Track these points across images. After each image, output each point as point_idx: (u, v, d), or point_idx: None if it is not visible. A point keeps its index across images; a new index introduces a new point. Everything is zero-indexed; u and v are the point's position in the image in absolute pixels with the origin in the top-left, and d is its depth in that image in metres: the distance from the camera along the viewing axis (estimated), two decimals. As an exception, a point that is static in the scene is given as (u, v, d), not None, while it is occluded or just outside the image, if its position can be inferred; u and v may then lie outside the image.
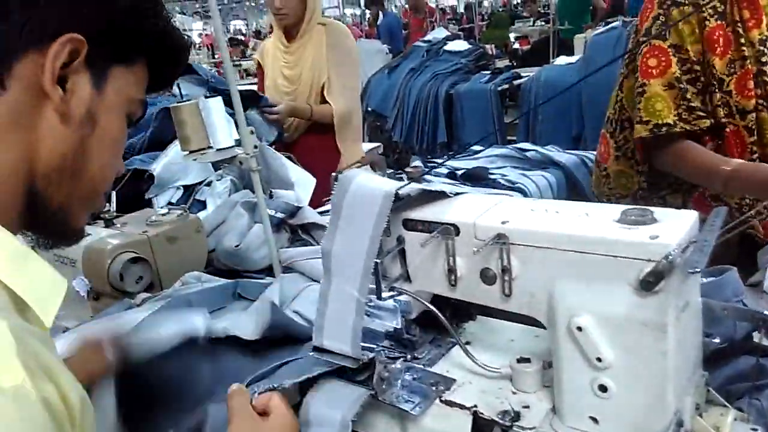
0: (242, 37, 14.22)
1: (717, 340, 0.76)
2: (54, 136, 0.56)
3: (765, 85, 1.26)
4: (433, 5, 8.57)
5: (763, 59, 1.26)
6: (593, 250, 0.68)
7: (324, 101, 2.28)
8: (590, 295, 0.69)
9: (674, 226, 0.66)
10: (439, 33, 5.83)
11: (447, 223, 0.79)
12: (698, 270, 0.58)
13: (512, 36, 8.41)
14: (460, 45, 5.49)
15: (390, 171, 1.92)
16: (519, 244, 0.73)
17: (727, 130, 1.32)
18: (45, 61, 0.54)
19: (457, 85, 5.00)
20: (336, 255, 0.84)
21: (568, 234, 0.70)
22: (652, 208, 0.70)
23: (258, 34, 14.20)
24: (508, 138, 4.66)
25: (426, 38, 5.80)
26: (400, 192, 0.82)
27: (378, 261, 0.81)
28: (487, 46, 6.20)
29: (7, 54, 0.53)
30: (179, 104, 1.55)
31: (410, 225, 0.83)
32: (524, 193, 2.21)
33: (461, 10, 14.64)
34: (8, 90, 0.53)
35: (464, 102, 4.89)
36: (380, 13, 7.97)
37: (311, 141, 2.31)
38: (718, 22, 1.29)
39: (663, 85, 1.33)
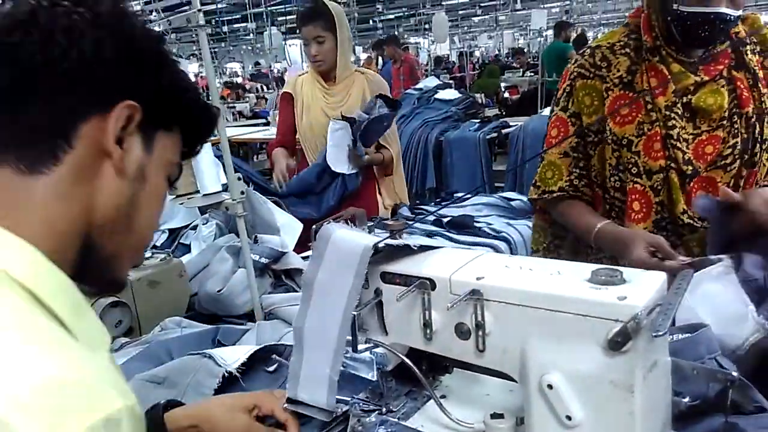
0: (239, 80, 14.45)
1: (686, 400, 0.76)
2: (111, 190, 0.63)
3: (673, 147, 1.31)
4: (425, 54, 8.79)
5: (670, 123, 1.31)
6: (564, 308, 0.69)
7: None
8: (560, 353, 0.70)
9: (642, 287, 0.68)
10: (431, 81, 5.97)
11: (423, 278, 0.80)
12: (661, 333, 0.59)
13: (502, 86, 8.61)
14: (451, 94, 5.62)
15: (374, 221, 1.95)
16: (493, 301, 0.75)
17: (629, 188, 1.37)
18: (107, 124, 0.61)
19: (447, 133, 5.09)
20: (314, 306, 0.85)
21: (540, 292, 0.71)
22: (621, 269, 0.71)
23: (254, 77, 14.43)
24: (496, 184, 4.74)
25: (417, 86, 5.93)
26: (379, 245, 0.84)
27: (355, 313, 0.82)
28: (477, 95, 6.36)
29: (76, 116, 0.60)
30: (168, 149, 1.57)
31: (388, 278, 0.84)
32: (508, 242, 2.23)
33: (453, 59, 15.01)
34: (74, 148, 0.60)
35: (453, 149, 4.97)
36: (380, 58, 8.12)
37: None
38: (622, 91, 1.36)
39: (559, 153, 1.44)
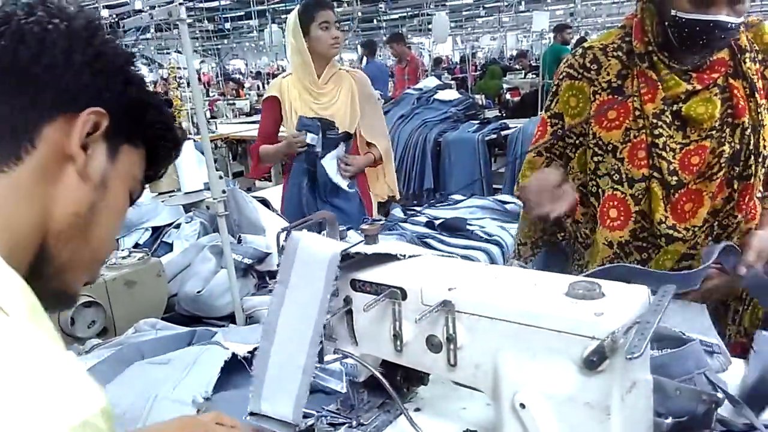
0: (240, 77, 14.41)
1: (668, 421, 0.72)
2: (72, 194, 0.62)
3: (658, 156, 1.27)
4: (426, 55, 8.74)
5: (656, 131, 1.27)
6: (538, 323, 0.65)
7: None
8: (534, 371, 0.66)
9: (621, 303, 0.64)
10: (430, 82, 5.91)
11: (394, 287, 0.76)
12: (637, 355, 0.55)
13: (504, 87, 8.56)
14: (451, 94, 5.57)
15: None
16: (465, 313, 0.71)
17: (606, 196, 1.34)
18: (73, 128, 0.61)
19: (446, 133, 5.04)
20: (283, 316, 0.81)
21: (513, 305, 0.67)
22: (600, 282, 0.67)
23: (258, 75, 14.40)
24: (495, 186, 4.69)
25: (417, 86, 5.88)
26: (351, 251, 0.80)
27: (324, 322, 0.78)
28: (477, 97, 6.31)
29: (41, 118, 0.60)
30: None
31: (358, 286, 0.80)
32: (501, 246, 2.19)
33: (456, 60, 14.97)
34: (37, 149, 0.59)
35: (452, 150, 4.93)
36: (365, 58, 8.15)
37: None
38: (610, 96, 1.32)
39: (534, 152, 1.44)
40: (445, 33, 6.67)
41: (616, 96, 1.31)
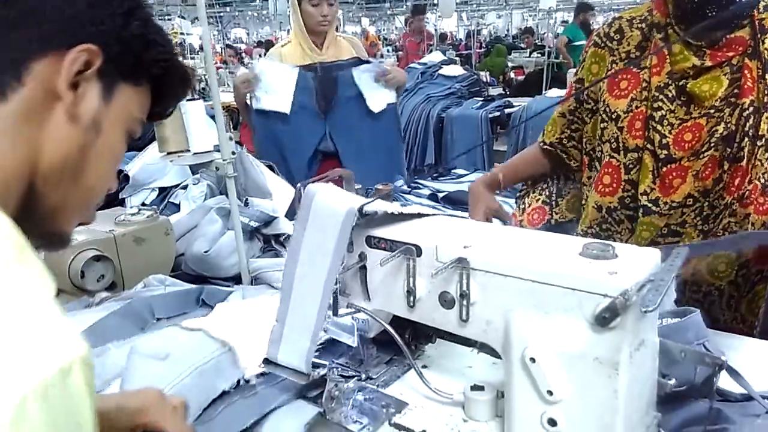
0: (242, 45, 14.26)
1: (672, 382, 0.74)
2: (60, 136, 0.59)
3: (653, 129, 1.29)
4: (432, 30, 8.64)
5: (656, 104, 1.29)
6: (552, 281, 0.66)
7: None
8: (546, 327, 0.68)
9: (634, 263, 0.66)
10: (435, 57, 5.87)
11: (409, 243, 0.78)
12: (651, 309, 0.57)
13: (509, 66, 8.50)
14: (456, 70, 5.54)
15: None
16: (479, 270, 0.72)
17: (605, 162, 1.37)
18: (62, 65, 0.58)
19: (449, 109, 5.03)
20: (299, 269, 0.82)
21: (528, 263, 0.69)
22: (614, 244, 0.69)
23: (260, 44, 14.25)
24: (496, 165, 4.69)
25: (422, 61, 5.84)
26: (366, 209, 0.81)
27: (338, 276, 0.79)
28: (482, 74, 6.27)
29: (28, 53, 0.57)
30: (160, 104, 1.53)
31: (373, 242, 0.81)
32: (501, 221, 2.21)
33: (461, 36, 14.82)
34: (25, 86, 0.57)
35: (455, 126, 4.92)
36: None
37: None
38: (626, 67, 1.34)
39: (559, 113, 1.49)
40: (451, 7, 6.60)
41: (631, 68, 1.33)
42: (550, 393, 0.67)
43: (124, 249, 1.39)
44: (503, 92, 6.19)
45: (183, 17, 7.35)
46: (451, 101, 5.13)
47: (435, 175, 2.99)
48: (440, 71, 5.42)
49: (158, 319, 1.25)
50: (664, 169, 1.30)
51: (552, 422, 0.68)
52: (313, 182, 0.81)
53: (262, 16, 18.24)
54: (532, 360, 0.68)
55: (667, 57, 1.28)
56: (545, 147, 1.51)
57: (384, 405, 0.82)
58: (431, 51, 6.79)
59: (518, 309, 0.70)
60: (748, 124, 1.23)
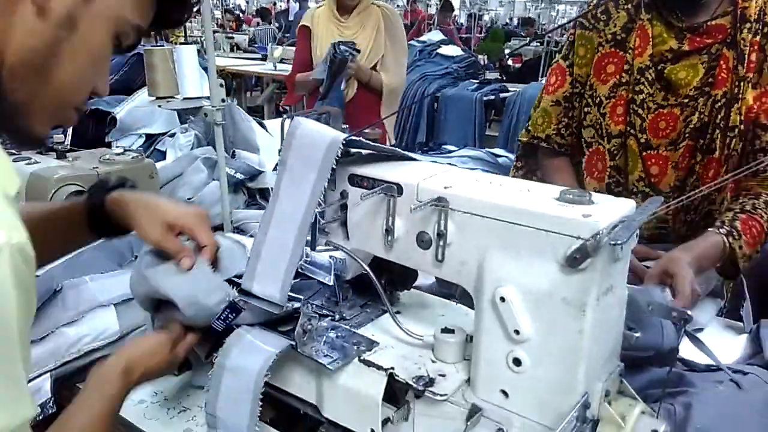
0: (241, 14, 14.04)
1: (638, 335, 0.76)
2: (27, 28, 0.56)
3: (633, 113, 1.29)
4: (433, 12, 8.62)
5: (637, 88, 1.29)
6: (526, 222, 0.67)
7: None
8: (517, 268, 0.69)
9: (609, 209, 0.67)
10: (435, 35, 5.84)
11: (391, 182, 0.78)
12: (620, 243, 0.58)
13: (506, 52, 8.46)
14: (453, 50, 5.52)
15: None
16: (457, 210, 0.73)
17: (591, 149, 1.38)
18: None
19: (445, 89, 5.02)
20: (279, 200, 0.82)
21: (504, 204, 0.70)
22: (591, 192, 0.70)
23: (257, 13, 14.04)
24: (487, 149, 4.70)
25: (421, 39, 5.81)
26: (351, 150, 0.82)
27: (318, 211, 0.80)
28: (480, 57, 6.25)
29: None
30: (152, 48, 1.52)
31: (356, 180, 0.82)
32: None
33: (462, 20, 14.72)
34: None
35: (449, 106, 4.91)
36: (298, 4, 8.81)
37: (361, 100, 2.49)
38: (612, 49, 1.33)
39: (552, 101, 1.44)
40: (454, -12, 6.53)
41: (617, 50, 1.33)
42: (517, 332, 0.69)
43: (107, 188, 1.38)
44: (499, 77, 6.17)
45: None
46: (447, 81, 5.12)
47: (425, 149, 3.00)
48: (438, 50, 5.40)
49: (136, 257, 1.24)
50: (644, 153, 1.31)
51: (517, 362, 0.70)
52: (300, 116, 0.81)
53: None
54: (502, 299, 0.69)
55: (650, 39, 1.28)
56: (542, 144, 1.46)
57: (355, 342, 0.83)
58: (431, 30, 6.75)
59: (493, 250, 0.71)
60: (719, 116, 1.24)
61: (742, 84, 1.22)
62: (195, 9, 0.74)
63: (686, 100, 1.27)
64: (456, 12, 14.95)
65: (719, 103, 1.24)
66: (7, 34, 0.56)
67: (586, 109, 1.38)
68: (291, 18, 9.86)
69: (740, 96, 1.22)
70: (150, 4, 0.66)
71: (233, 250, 0.89)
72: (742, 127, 1.23)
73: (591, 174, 1.40)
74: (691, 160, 1.29)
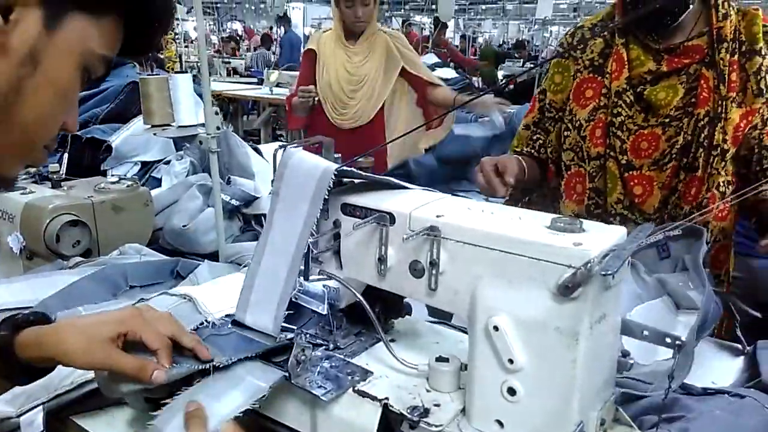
0: (238, 37, 14.19)
1: (632, 361, 0.76)
2: None
3: (613, 135, 1.30)
4: (427, 34, 8.74)
5: (615, 110, 1.30)
6: (517, 251, 0.68)
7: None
8: (510, 297, 0.69)
9: (600, 237, 0.67)
10: (429, 58, 5.91)
11: (383, 211, 0.78)
12: (610, 273, 0.58)
13: (500, 74, 8.56)
14: (448, 73, 5.57)
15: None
16: (449, 239, 0.73)
17: (571, 171, 1.39)
18: None
19: (439, 111, 5.05)
20: (272, 231, 0.83)
21: (495, 233, 0.70)
22: (582, 220, 0.70)
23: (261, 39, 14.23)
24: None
25: (416, 62, 5.87)
26: (344, 179, 0.82)
27: (311, 241, 0.80)
28: (474, 79, 6.31)
29: None
30: (148, 77, 1.53)
31: (348, 210, 0.82)
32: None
33: (456, 43, 14.90)
34: None
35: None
36: (282, 27, 9.27)
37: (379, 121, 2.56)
38: (591, 74, 1.35)
39: (523, 125, 1.50)
40: (450, 11, 6.64)
41: (595, 75, 1.35)
42: (511, 362, 0.68)
43: (102, 216, 1.39)
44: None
45: (180, 2, 7.34)
46: (442, 104, 5.15)
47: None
48: (434, 73, 5.44)
49: (131, 287, 1.24)
50: (626, 175, 1.32)
51: (511, 391, 0.69)
52: (293, 146, 0.82)
53: (259, 9, 18.21)
54: (495, 328, 0.69)
55: (626, 62, 1.30)
56: None
57: (349, 372, 0.83)
58: (427, 53, 6.82)
59: (485, 279, 0.71)
60: (702, 135, 1.24)
61: (725, 103, 1.23)
62: (164, 34, 0.70)
63: (668, 120, 1.28)
64: (450, 34, 15.16)
65: (702, 122, 1.25)
66: None
67: (565, 133, 1.40)
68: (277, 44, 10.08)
69: (724, 116, 1.24)
70: (117, 33, 0.63)
71: (178, 311, 0.87)
72: (725, 146, 1.24)
73: (570, 196, 1.41)
74: (674, 179, 1.30)
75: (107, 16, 0.60)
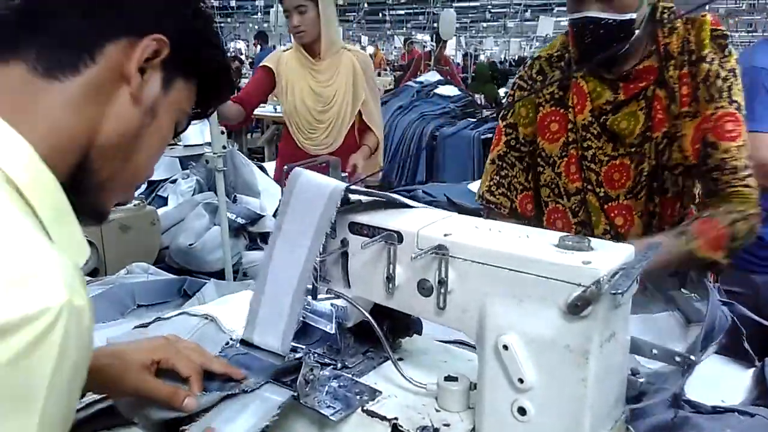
0: (242, 56, 14.33)
1: (642, 380, 0.76)
2: (121, 115, 0.63)
3: (587, 168, 1.30)
4: (429, 49, 8.79)
5: (585, 144, 1.29)
6: (527, 269, 0.68)
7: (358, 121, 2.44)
8: (519, 315, 0.69)
9: (608, 255, 0.67)
10: (432, 76, 5.95)
11: (391, 230, 0.79)
12: (620, 292, 0.58)
13: (502, 92, 8.60)
14: (451, 90, 5.62)
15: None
16: (457, 257, 0.73)
17: (549, 208, 1.38)
18: (134, 50, 0.62)
19: (443, 128, 5.08)
20: (277, 250, 0.83)
21: (504, 251, 0.70)
22: (590, 238, 0.71)
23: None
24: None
25: (418, 79, 5.92)
26: (351, 196, 0.83)
27: (318, 260, 0.80)
28: (477, 96, 6.35)
29: (106, 35, 0.61)
30: (155, 96, 1.54)
31: (356, 228, 0.83)
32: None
33: (458, 60, 15.02)
34: (97, 64, 0.61)
35: (447, 145, 4.97)
36: (260, 46, 9.19)
37: (351, 145, 2.43)
38: (552, 108, 1.33)
39: (490, 160, 1.45)
40: (451, 29, 6.69)
41: (557, 108, 1.33)
42: (521, 381, 0.68)
43: (110, 236, 1.40)
44: (496, 116, 6.26)
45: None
46: (445, 120, 5.19)
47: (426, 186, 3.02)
48: (436, 90, 5.49)
49: (139, 306, 1.25)
50: (606, 206, 1.31)
51: (522, 411, 0.69)
52: (300, 166, 0.82)
53: (263, 29, 18.39)
54: (505, 347, 0.69)
55: (587, 94, 1.28)
56: (480, 202, 1.47)
57: (358, 392, 0.82)
58: (429, 71, 6.88)
59: (493, 297, 0.71)
60: (663, 158, 1.24)
61: (678, 122, 1.22)
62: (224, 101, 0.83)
63: (633, 149, 1.27)
64: (453, 52, 15.28)
65: (661, 145, 1.24)
66: (102, 118, 0.62)
67: (540, 169, 1.38)
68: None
69: (678, 134, 1.22)
70: (194, 96, 0.73)
71: (204, 333, 0.89)
72: (687, 162, 1.23)
73: None
74: (650, 204, 1.30)
75: (193, 81, 0.71)
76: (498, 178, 1.42)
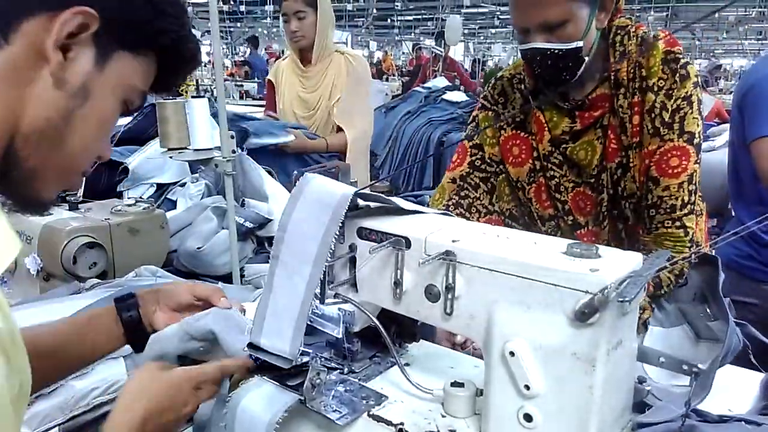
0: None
1: (649, 388, 0.76)
2: (44, 98, 0.58)
3: (554, 198, 1.29)
4: (437, 53, 8.80)
5: (549, 173, 1.28)
6: (534, 276, 0.68)
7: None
8: (527, 322, 0.69)
9: (616, 263, 0.67)
10: (440, 82, 5.95)
11: (399, 236, 0.79)
12: (628, 300, 0.58)
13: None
14: (459, 96, 5.61)
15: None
16: (465, 263, 0.74)
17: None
18: (53, 26, 0.56)
19: (450, 134, 5.08)
20: (285, 253, 0.84)
21: (512, 258, 0.70)
22: (598, 246, 0.71)
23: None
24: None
25: (426, 85, 5.92)
26: (359, 202, 0.83)
27: (327, 265, 0.81)
28: (484, 102, 6.33)
29: (19, 11, 0.56)
30: (165, 101, 1.56)
31: (364, 234, 0.83)
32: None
33: (467, 66, 15.03)
34: (11, 44, 0.56)
35: (454, 151, 4.95)
36: (249, 51, 9.29)
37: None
38: (514, 131, 1.32)
39: (449, 179, 1.40)
40: (457, 36, 6.69)
41: (518, 131, 1.32)
42: (528, 387, 0.68)
43: (118, 238, 1.40)
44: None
45: (194, 27, 7.48)
46: (453, 126, 5.18)
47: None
48: (444, 96, 5.49)
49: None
50: (576, 233, 1.31)
51: (528, 418, 0.69)
52: (310, 171, 0.83)
53: (272, 33, 18.47)
54: (512, 354, 0.69)
55: (545, 124, 1.27)
56: None
57: (364, 397, 0.83)
58: (436, 76, 6.89)
59: (501, 303, 0.71)
60: (620, 187, 1.22)
61: (629, 152, 1.20)
62: (191, 73, 0.77)
63: (592, 180, 1.26)
64: (461, 58, 15.29)
65: (616, 176, 1.23)
66: (22, 104, 0.57)
67: (516, 191, 1.36)
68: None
69: (631, 164, 1.20)
70: (152, 69, 0.68)
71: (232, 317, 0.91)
72: (639, 192, 1.21)
73: None
74: (615, 230, 1.28)
75: (146, 55, 0.65)
76: (457, 198, 1.38)
